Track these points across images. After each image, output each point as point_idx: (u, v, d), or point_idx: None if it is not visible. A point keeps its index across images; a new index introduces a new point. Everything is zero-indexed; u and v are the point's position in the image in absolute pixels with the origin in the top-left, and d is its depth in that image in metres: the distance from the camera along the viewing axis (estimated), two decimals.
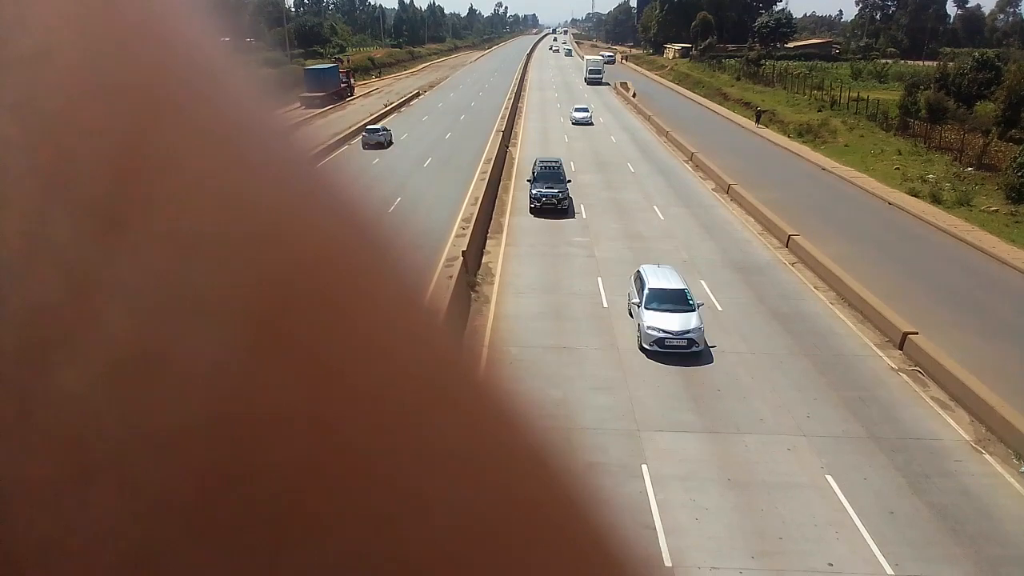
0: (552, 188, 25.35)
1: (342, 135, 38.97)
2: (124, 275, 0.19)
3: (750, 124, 48.15)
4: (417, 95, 65.74)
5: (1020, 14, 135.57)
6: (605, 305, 17.68)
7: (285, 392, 0.20)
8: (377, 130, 38.48)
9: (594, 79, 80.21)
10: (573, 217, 24.90)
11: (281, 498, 0.19)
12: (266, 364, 0.20)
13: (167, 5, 0.25)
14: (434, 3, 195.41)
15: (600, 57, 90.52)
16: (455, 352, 0.25)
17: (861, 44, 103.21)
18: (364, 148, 37.00)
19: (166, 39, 0.24)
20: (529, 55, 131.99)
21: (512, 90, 66.39)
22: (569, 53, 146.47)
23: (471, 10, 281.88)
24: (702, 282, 19.20)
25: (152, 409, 0.19)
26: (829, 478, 11.22)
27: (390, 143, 38.48)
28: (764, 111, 48.47)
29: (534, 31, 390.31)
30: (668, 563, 9.43)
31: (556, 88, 76.73)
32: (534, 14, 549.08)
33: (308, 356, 0.21)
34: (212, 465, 0.19)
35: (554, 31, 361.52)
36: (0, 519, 0.18)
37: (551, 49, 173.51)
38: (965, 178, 30.86)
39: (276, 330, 0.21)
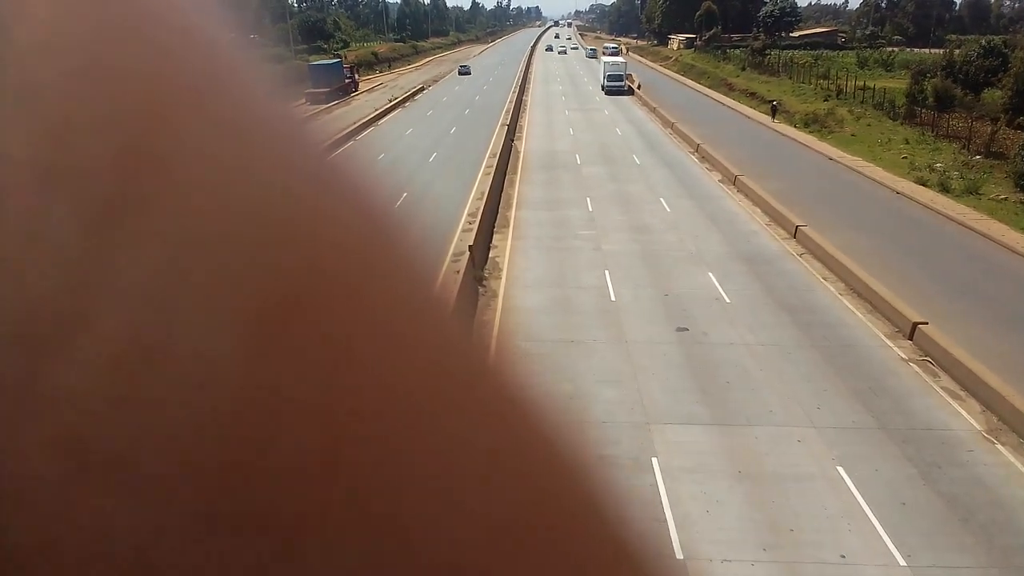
0: None
1: (348, 130, 39.01)
2: (128, 270, 0.19)
3: (755, 114, 47.91)
4: (421, 89, 65.65)
5: None
6: (613, 299, 17.66)
7: (294, 388, 0.20)
8: (466, 66, 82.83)
9: (615, 88, 61.71)
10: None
11: (290, 498, 0.19)
12: (274, 359, 0.20)
13: None
14: None
15: (622, 59, 71.07)
16: (467, 346, 0.25)
17: (867, 32, 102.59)
18: (459, 75, 78.60)
19: (171, 30, 0.23)
20: (533, 47, 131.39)
21: (516, 83, 66.25)
22: (593, 54, 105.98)
23: (474, 3, 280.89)
24: (710, 274, 19.16)
25: (156, 406, 0.19)
26: (840, 469, 11.19)
27: (469, 72, 79.78)
28: (773, 102, 48.17)
29: (537, 23, 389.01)
30: (679, 556, 9.43)
31: (561, 81, 76.51)
32: (537, 6, 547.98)
33: (317, 351, 0.21)
34: (218, 464, 0.19)
35: (557, 23, 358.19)
36: (3, 518, 0.18)
37: (552, 50, 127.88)
38: (973, 166, 30.66)
39: (284, 325, 0.20)
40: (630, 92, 61.52)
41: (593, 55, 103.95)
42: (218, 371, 0.19)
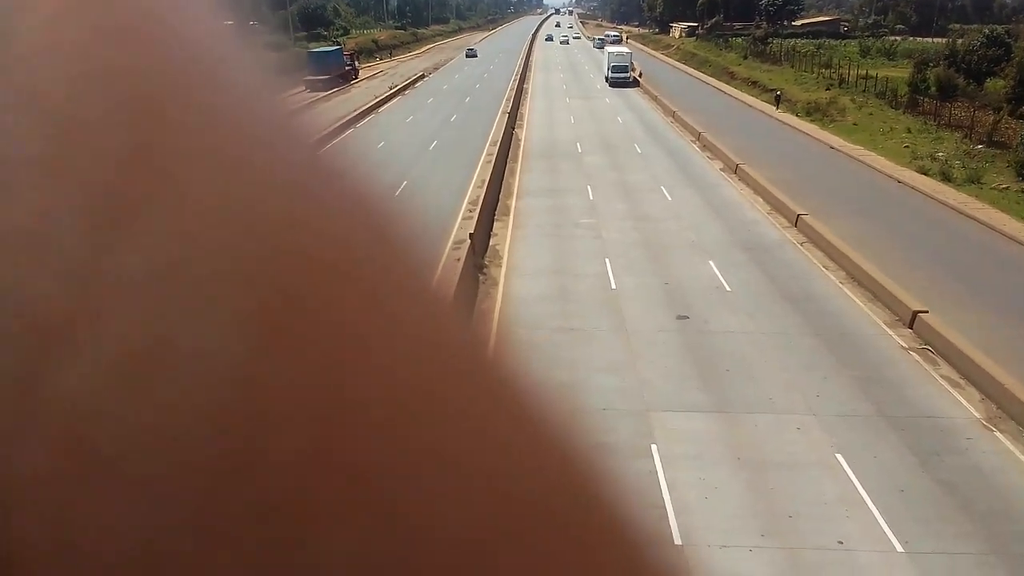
0: None
1: (347, 118, 38.91)
2: (128, 269, 0.19)
3: (757, 103, 47.76)
4: (422, 77, 65.44)
5: None
6: (613, 287, 17.65)
7: (292, 384, 0.20)
8: (473, 49, 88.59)
9: (620, 80, 58.08)
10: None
11: (289, 495, 0.19)
12: (272, 356, 0.20)
13: None
14: None
15: (627, 49, 66.71)
16: (466, 334, 0.25)
17: (869, 21, 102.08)
18: (466, 57, 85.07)
19: (169, 24, 0.23)
20: (534, 35, 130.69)
21: (517, 71, 66.04)
22: (601, 45, 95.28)
23: None
24: (711, 262, 19.15)
25: (157, 406, 0.18)
26: (839, 456, 11.22)
27: (476, 55, 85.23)
28: (777, 91, 47.93)
29: (538, 11, 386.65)
30: (678, 542, 9.47)
31: (562, 69, 76.19)
32: None
33: (314, 342, 0.20)
34: (218, 462, 0.19)
35: (558, 11, 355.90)
36: (3, 518, 0.18)
37: (552, 39, 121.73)
38: (975, 156, 30.61)
39: (282, 321, 0.20)
40: (635, 84, 58.52)
41: (601, 46, 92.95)
42: (217, 365, 0.19)
